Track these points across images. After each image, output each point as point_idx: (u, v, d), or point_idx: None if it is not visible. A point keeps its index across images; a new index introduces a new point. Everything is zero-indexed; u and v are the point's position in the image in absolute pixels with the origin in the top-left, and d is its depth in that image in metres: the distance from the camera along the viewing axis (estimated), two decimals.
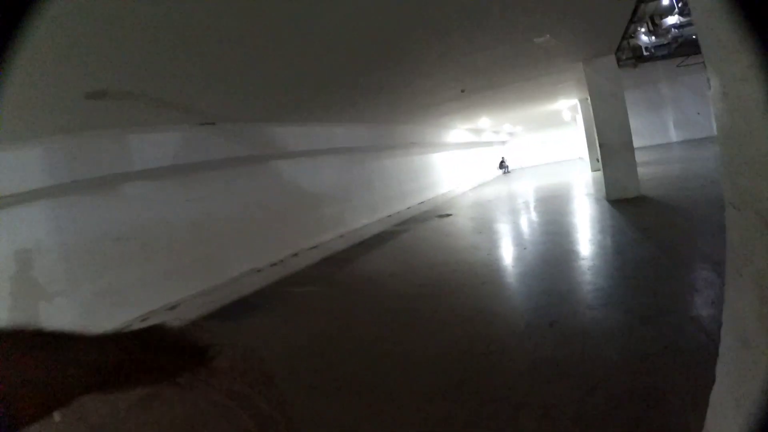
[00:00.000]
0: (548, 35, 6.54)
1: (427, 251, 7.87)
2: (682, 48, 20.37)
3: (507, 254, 6.59)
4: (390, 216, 12.33)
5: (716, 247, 4.24)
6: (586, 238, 6.59)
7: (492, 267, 5.92)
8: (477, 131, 21.41)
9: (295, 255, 8.38)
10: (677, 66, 23.72)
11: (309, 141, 9.03)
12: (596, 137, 8.58)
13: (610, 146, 8.23)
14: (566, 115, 23.36)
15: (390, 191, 12.90)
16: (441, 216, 12.15)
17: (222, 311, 5.87)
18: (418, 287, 5.50)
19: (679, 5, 12.79)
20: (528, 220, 9.06)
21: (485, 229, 8.88)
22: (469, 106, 12.32)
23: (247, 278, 6.91)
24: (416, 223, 11.80)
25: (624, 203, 8.14)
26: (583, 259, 5.38)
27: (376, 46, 5.43)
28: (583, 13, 6.01)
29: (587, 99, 15.25)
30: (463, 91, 9.48)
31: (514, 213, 10.51)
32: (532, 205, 11.30)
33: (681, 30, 13.45)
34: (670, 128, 25.23)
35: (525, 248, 6.59)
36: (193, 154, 6.46)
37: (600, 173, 14.94)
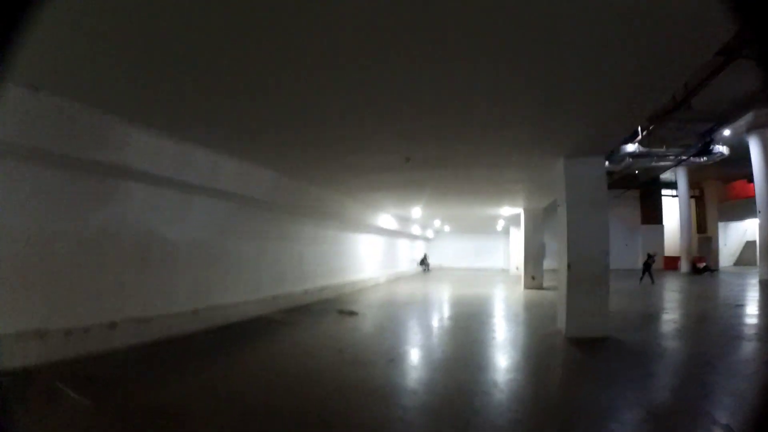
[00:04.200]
0: None
1: (305, 376, 4.83)
2: (621, 181, 20.68)
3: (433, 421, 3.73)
4: (276, 297, 9.22)
5: None
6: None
7: None
8: (405, 220, 19.38)
9: (112, 326, 5.39)
10: (614, 197, 24.29)
11: (178, 165, 5.98)
12: (564, 253, 6.38)
13: (582, 268, 6.08)
14: (499, 225, 22.44)
15: (284, 265, 9.85)
16: (343, 312, 9.21)
17: None
18: None
19: (643, 133, 12.11)
20: (463, 356, 5.98)
21: (398, 356, 5.84)
22: (404, 186, 10.10)
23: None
24: (309, 316, 8.77)
25: (587, 346, 5.84)
26: None
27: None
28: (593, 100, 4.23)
29: (533, 210, 13.80)
30: (408, 160, 7.22)
31: (438, 333, 7.77)
32: (463, 326, 8.15)
33: (634, 160, 12.80)
34: None
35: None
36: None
37: (536, 292, 13.13)
